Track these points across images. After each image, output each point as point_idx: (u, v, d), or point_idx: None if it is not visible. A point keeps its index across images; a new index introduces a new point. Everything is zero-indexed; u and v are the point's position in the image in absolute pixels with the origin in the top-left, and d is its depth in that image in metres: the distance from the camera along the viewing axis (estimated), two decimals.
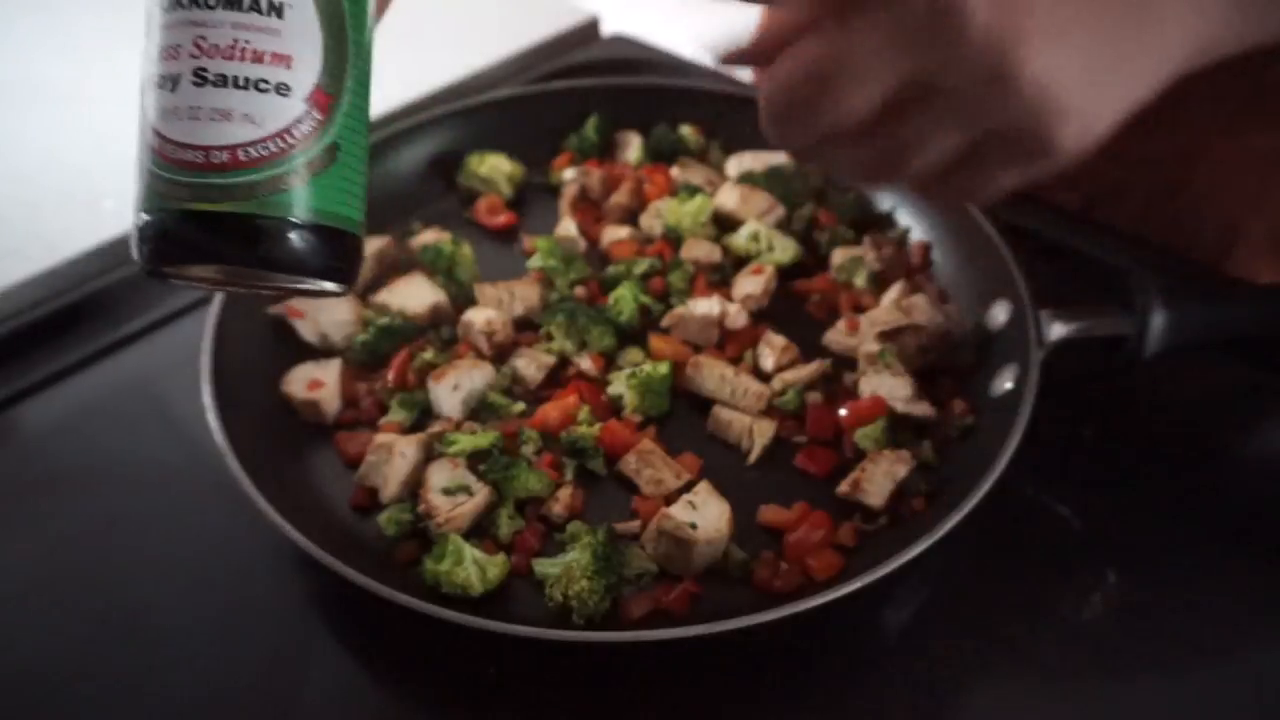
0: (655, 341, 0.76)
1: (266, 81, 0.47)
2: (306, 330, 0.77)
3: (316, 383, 0.73)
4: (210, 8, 0.47)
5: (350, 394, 0.74)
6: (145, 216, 0.48)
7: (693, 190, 0.86)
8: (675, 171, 0.89)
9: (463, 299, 0.79)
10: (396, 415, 0.72)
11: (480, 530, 0.66)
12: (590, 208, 0.88)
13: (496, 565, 0.63)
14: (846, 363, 0.76)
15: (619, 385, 0.73)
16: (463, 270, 0.81)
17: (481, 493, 0.66)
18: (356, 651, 0.64)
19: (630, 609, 0.62)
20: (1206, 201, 0.84)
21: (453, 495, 0.66)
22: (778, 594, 0.62)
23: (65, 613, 0.64)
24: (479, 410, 0.72)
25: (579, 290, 0.80)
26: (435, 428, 0.71)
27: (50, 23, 1.17)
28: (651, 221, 0.85)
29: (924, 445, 0.70)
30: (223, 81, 0.47)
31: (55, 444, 0.75)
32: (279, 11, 0.47)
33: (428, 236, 0.84)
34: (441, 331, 0.78)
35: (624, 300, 0.77)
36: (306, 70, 0.48)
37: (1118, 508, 0.69)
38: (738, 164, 0.89)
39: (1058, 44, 0.46)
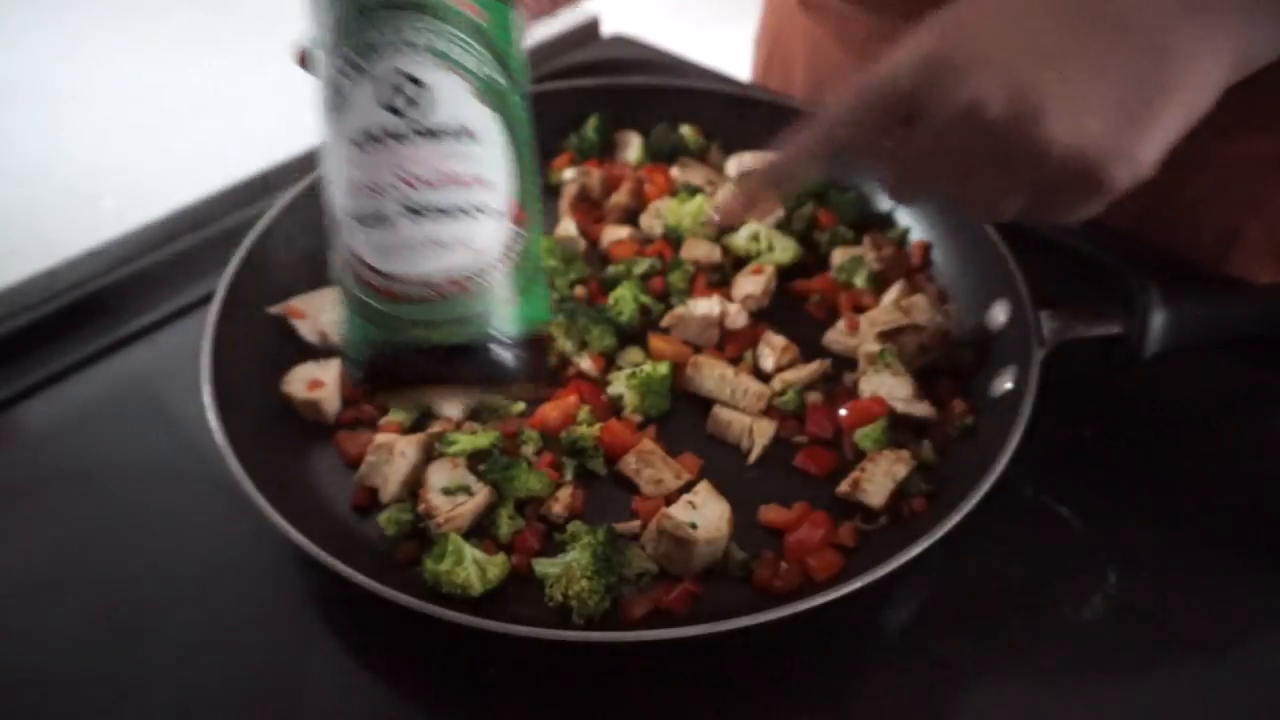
0: (655, 341, 0.76)
1: (473, 205, 0.48)
2: (306, 330, 0.77)
3: (317, 383, 0.73)
4: (410, 141, 0.47)
5: (350, 394, 0.74)
6: (366, 347, 0.49)
7: (693, 190, 0.86)
8: (675, 171, 0.89)
9: None
10: (396, 415, 0.72)
11: (480, 530, 0.66)
12: (590, 208, 0.88)
13: (496, 565, 0.63)
14: (846, 363, 0.76)
15: (619, 385, 0.73)
16: None
17: (481, 493, 0.66)
18: (356, 651, 0.64)
19: (630, 609, 0.62)
20: (1205, 204, 0.84)
21: (453, 495, 0.66)
22: (778, 594, 0.62)
23: (65, 613, 0.64)
24: (479, 410, 0.72)
25: (579, 290, 0.80)
26: (435, 428, 0.71)
27: (50, 23, 1.17)
28: (651, 221, 0.85)
29: (924, 445, 0.70)
30: (434, 213, 0.47)
31: (55, 444, 0.75)
32: (473, 136, 0.48)
33: None
34: None
35: (624, 300, 0.77)
36: (503, 189, 0.49)
37: (1118, 508, 0.69)
38: (738, 164, 0.89)
39: (1076, 121, 0.52)
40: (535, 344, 0.51)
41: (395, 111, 0.47)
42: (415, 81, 0.47)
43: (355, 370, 0.51)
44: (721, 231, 0.84)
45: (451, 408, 0.72)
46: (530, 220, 0.51)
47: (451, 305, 0.48)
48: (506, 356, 0.49)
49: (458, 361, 0.49)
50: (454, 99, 0.48)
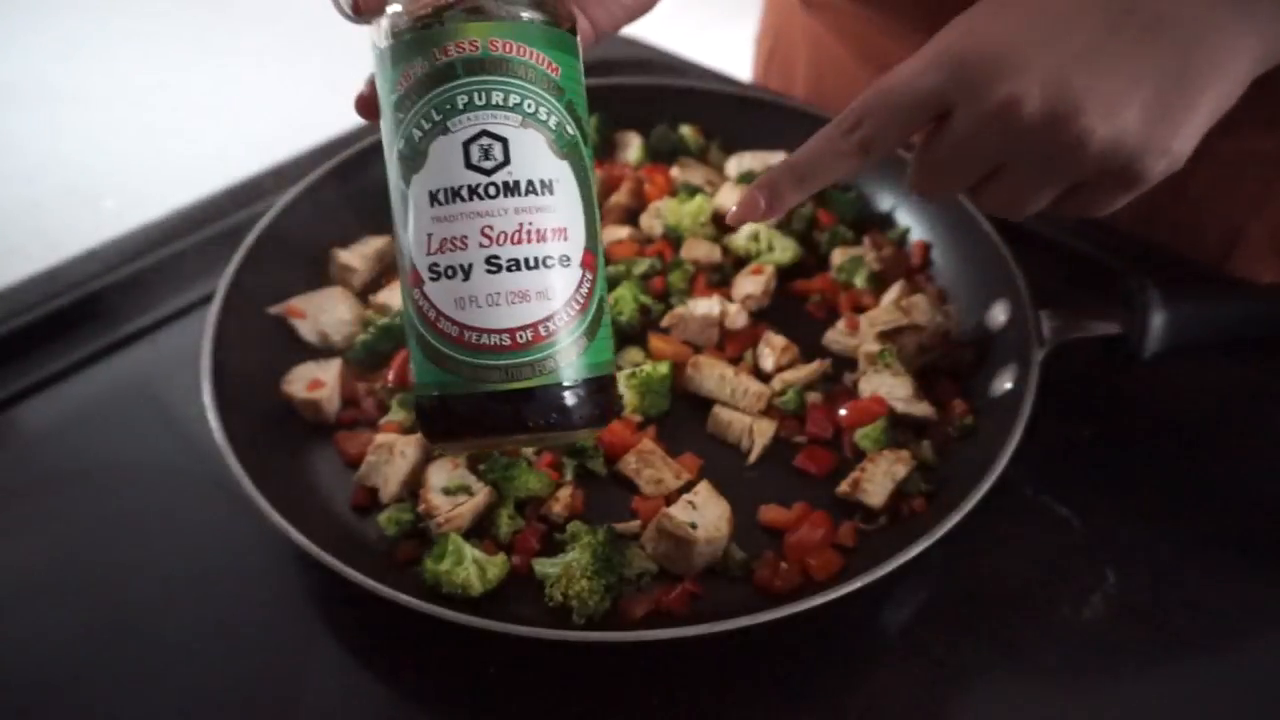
0: (655, 341, 0.76)
1: (552, 257, 0.50)
2: (306, 330, 0.77)
3: (317, 383, 0.73)
4: (493, 197, 0.49)
5: (350, 394, 0.74)
6: (446, 398, 0.50)
7: (693, 190, 0.86)
8: (675, 171, 0.89)
9: None
10: (397, 415, 0.72)
11: (480, 530, 0.66)
12: None
13: (496, 565, 0.63)
14: (846, 363, 0.76)
15: (619, 385, 0.73)
16: None
17: (481, 493, 0.66)
18: (356, 651, 0.64)
19: (630, 609, 0.62)
20: (1208, 203, 0.84)
21: (453, 495, 0.66)
22: (778, 594, 0.62)
23: (65, 613, 0.64)
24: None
25: None
26: None
27: (50, 23, 1.17)
28: (651, 221, 0.85)
29: (924, 445, 0.70)
30: (516, 266, 0.49)
31: (55, 444, 0.75)
32: (550, 188, 0.50)
33: None
34: None
35: (624, 300, 0.77)
36: (577, 236, 0.51)
37: (1118, 508, 0.69)
38: (738, 164, 0.89)
39: (1113, 115, 0.52)
40: (602, 386, 0.52)
41: (479, 169, 0.49)
42: (498, 139, 0.49)
43: (422, 416, 0.52)
44: (723, 230, 0.84)
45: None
46: (597, 263, 0.52)
47: (525, 354, 0.49)
48: (574, 401, 0.50)
49: (526, 409, 0.50)
50: (534, 154, 0.49)
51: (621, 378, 0.73)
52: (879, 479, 0.67)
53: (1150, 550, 0.67)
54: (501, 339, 0.49)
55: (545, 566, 0.63)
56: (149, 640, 0.63)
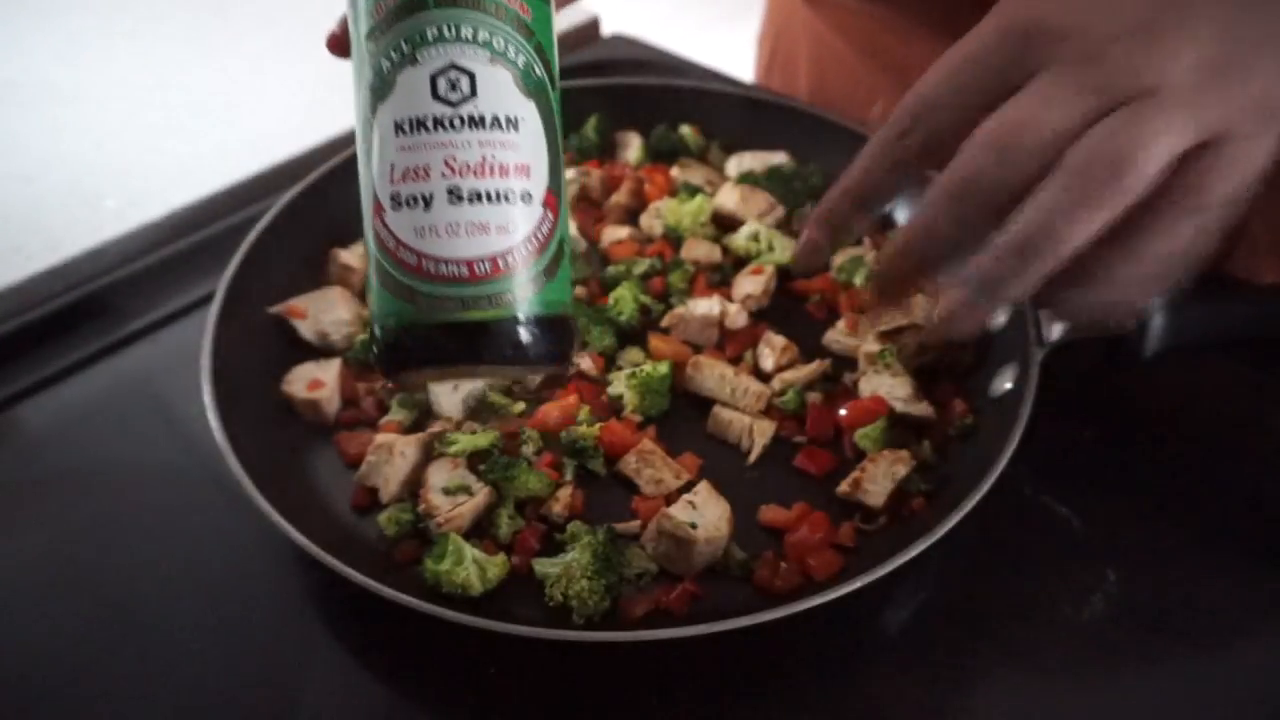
0: (655, 341, 0.76)
1: (514, 192, 0.50)
2: (306, 330, 0.77)
3: (316, 382, 0.73)
4: (457, 129, 0.49)
5: (350, 394, 0.74)
6: (402, 329, 0.50)
7: (693, 190, 0.86)
8: (675, 171, 0.89)
9: None
10: (396, 415, 0.72)
11: (480, 530, 0.66)
12: (590, 208, 0.88)
13: (496, 565, 0.63)
14: (846, 363, 0.76)
15: (619, 385, 0.73)
16: None
17: (481, 493, 0.66)
18: (356, 651, 0.64)
19: (630, 609, 0.62)
20: None
21: (453, 495, 0.66)
22: (778, 594, 0.62)
23: (65, 613, 0.64)
24: (479, 410, 0.72)
25: (579, 290, 0.80)
26: (435, 428, 0.71)
27: (50, 23, 1.17)
28: (651, 221, 0.85)
29: (924, 445, 0.70)
30: (477, 197, 0.49)
31: (55, 444, 0.75)
32: (515, 125, 0.50)
33: None
34: None
35: (624, 300, 0.77)
36: (540, 175, 0.51)
37: (1118, 508, 0.69)
38: (738, 164, 0.89)
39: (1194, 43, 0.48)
40: (559, 325, 0.52)
41: (445, 101, 0.49)
42: (466, 73, 0.49)
43: (378, 347, 0.52)
44: (723, 230, 0.84)
45: (451, 404, 0.71)
46: (559, 204, 0.52)
47: (482, 285, 0.49)
48: (530, 337, 0.51)
49: (482, 341, 0.50)
50: (501, 90, 0.50)
51: (621, 378, 0.73)
52: (879, 479, 0.67)
53: (1150, 550, 0.67)
54: (459, 269, 0.49)
55: (545, 566, 0.63)
56: (149, 640, 0.63)
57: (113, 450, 0.74)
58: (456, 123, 0.49)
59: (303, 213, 0.80)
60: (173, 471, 0.72)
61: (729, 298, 0.80)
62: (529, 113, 0.51)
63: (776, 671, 0.61)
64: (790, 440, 0.72)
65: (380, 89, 0.50)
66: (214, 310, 0.73)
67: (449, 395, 0.72)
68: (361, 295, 0.80)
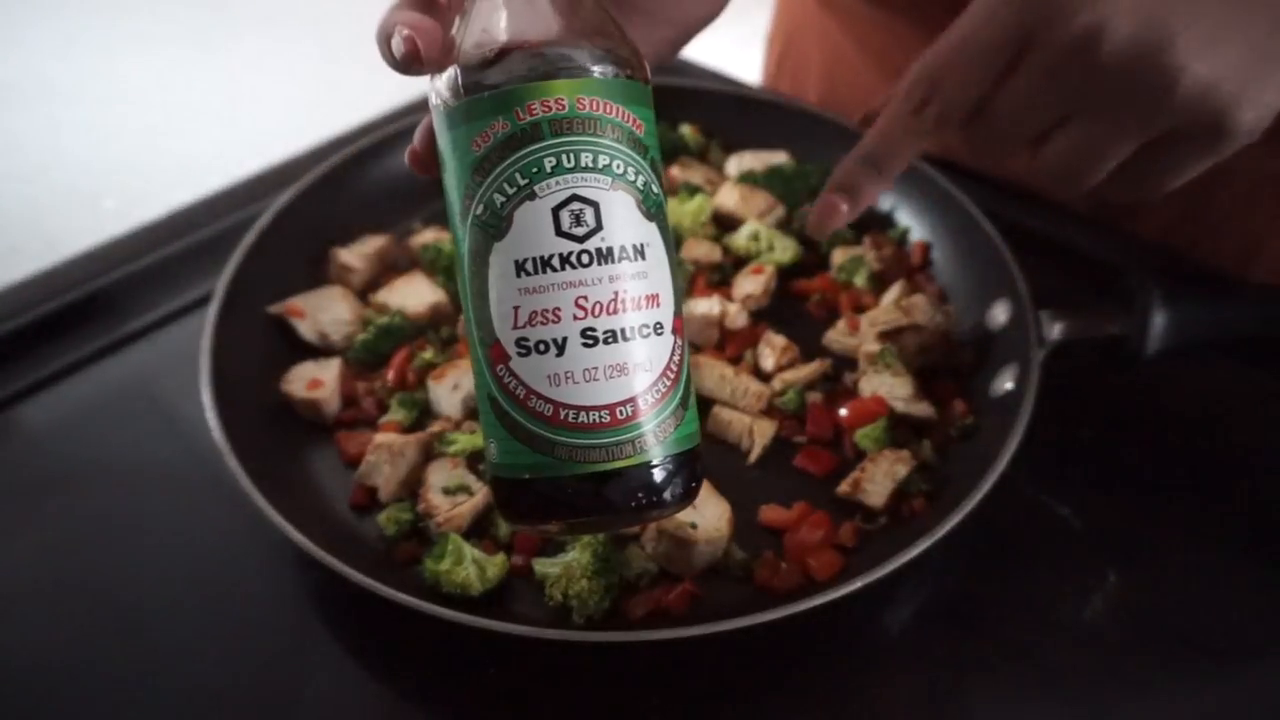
0: None
1: (648, 326, 0.47)
2: (306, 330, 0.77)
3: (316, 382, 0.73)
4: (586, 266, 0.45)
5: (350, 393, 0.74)
6: (539, 481, 0.47)
7: (693, 190, 0.86)
8: (675, 171, 0.89)
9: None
10: (396, 415, 0.72)
11: (480, 530, 0.66)
12: None
13: (496, 565, 0.63)
14: (846, 363, 0.76)
15: None
16: None
17: (481, 492, 0.66)
18: (356, 651, 0.64)
19: (630, 609, 0.62)
20: (1228, 219, 0.84)
21: (452, 495, 0.66)
22: (778, 594, 0.62)
23: (65, 613, 0.64)
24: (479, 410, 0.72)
25: None
26: (435, 427, 0.71)
27: (50, 22, 1.17)
28: None
29: (924, 445, 0.70)
30: (613, 338, 0.46)
31: (55, 444, 0.75)
32: (642, 253, 0.47)
33: (428, 236, 0.84)
34: (441, 331, 0.78)
35: None
36: (668, 302, 0.48)
37: (1118, 508, 0.69)
38: (738, 164, 0.89)
39: (1212, 50, 0.47)
40: (692, 459, 0.49)
41: (570, 236, 0.46)
42: (589, 203, 0.46)
43: (506, 497, 0.49)
44: (723, 230, 0.84)
45: (451, 404, 0.71)
46: (684, 328, 0.49)
47: (624, 430, 0.46)
48: (666, 478, 0.47)
49: (619, 488, 0.47)
50: (625, 217, 0.46)
51: None
52: (879, 479, 0.67)
53: (1150, 550, 0.67)
54: (601, 415, 0.46)
55: (545, 566, 0.63)
56: (149, 640, 0.63)
57: (113, 450, 0.74)
58: (585, 259, 0.45)
59: (303, 213, 0.80)
60: (173, 471, 0.72)
61: (729, 298, 0.80)
62: (652, 236, 0.47)
63: (776, 671, 0.61)
64: (790, 440, 0.72)
65: (495, 225, 0.46)
66: (214, 310, 0.73)
67: (449, 395, 0.72)
68: (361, 294, 0.80)
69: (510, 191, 0.46)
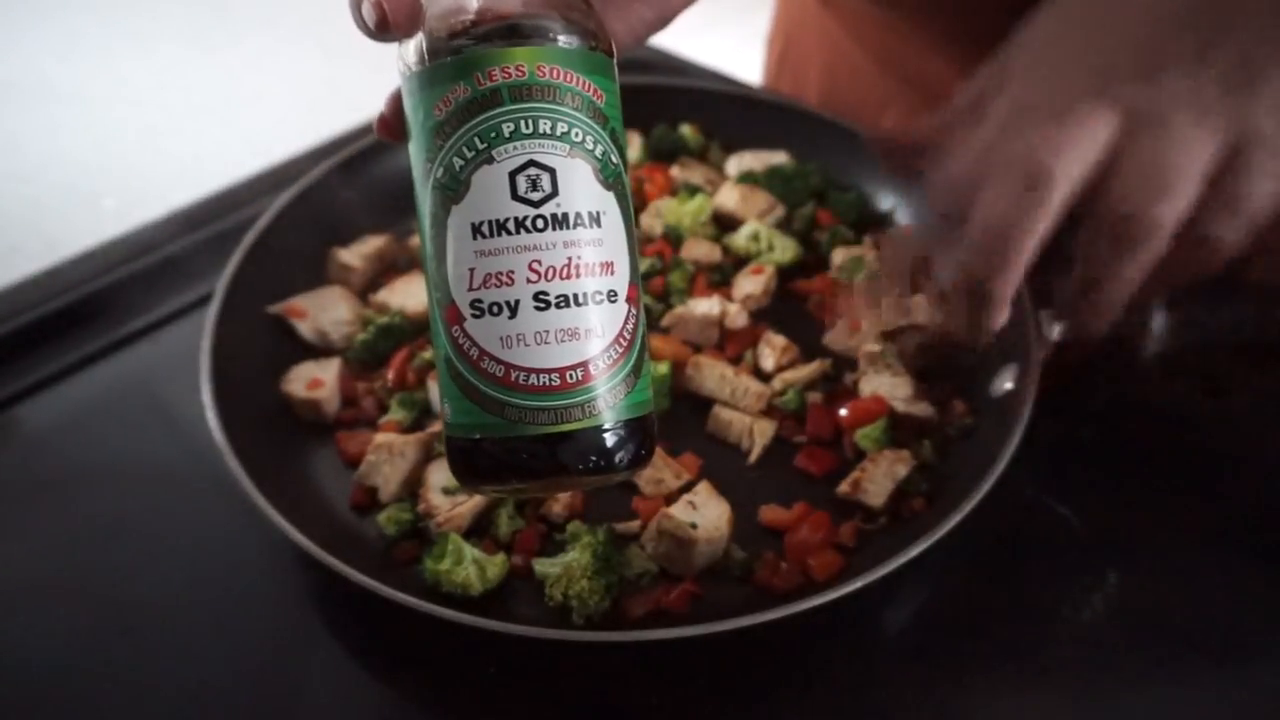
0: (655, 341, 0.76)
1: (600, 292, 0.47)
2: (306, 330, 0.77)
3: (316, 382, 0.73)
4: (540, 230, 0.46)
5: (350, 393, 0.74)
6: (486, 440, 0.48)
7: (693, 190, 0.86)
8: (675, 171, 0.89)
9: None
10: (396, 415, 0.72)
11: (480, 530, 0.66)
12: None
13: (496, 565, 0.63)
14: (846, 363, 0.76)
15: None
16: None
17: None
18: (356, 651, 0.64)
19: (630, 609, 0.62)
20: None
21: (452, 495, 0.66)
22: (778, 594, 0.62)
23: (65, 612, 0.64)
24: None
25: None
26: (435, 427, 0.71)
27: (50, 22, 1.17)
28: (651, 221, 0.85)
29: (924, 445, 0.70)
30: (565, 302, 0.47)
31: (55, 444, 0.75)
32: (598, 220, 0.47)
33: None
34: None
35: None
36: (623, 271, 0.49)
37: (1118, 508, 0.69)
38: (738, 164, 0.89)
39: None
40: (644, 426, 0.50)
41: (526, 201, 0.46)
42: (546, 169, 0.46)
43: (458, 458, 0.50)
44: (723, 229, 0.84)
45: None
46: (639, 297, 0.50)
47: (574, 394, 0.47)
48: (616, 442, 0.48)
49: (568, 451, 0.47)
50: (582, 185, 0.47)
51: None
52: (879, 479, 0.67)
53: (1150, 550, 0.67)
54: (551, 379, 0.47)
55: (545, 566, 0.63)
56: (149, 640, 0.63)
57: (113, 450, 0.74)
58: (540, 223, 0.46)
59: (303, 213, 0.80)
60: (173, 471, 0.72)
61: (729, 298, 0.80)
62: (609, 204, 0.48)
63: (776, 671, 0.61)
64: (790, 440, 0.72)
65: (453, 189, 0.47)
66: (214, 310, 0.73)
67: None
68: (361, 294, 0.80)
69: (469, 155, 0.47)
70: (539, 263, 0.46)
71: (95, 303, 0.82)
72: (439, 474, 0.68)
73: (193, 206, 0.90)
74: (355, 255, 0.81)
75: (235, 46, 1.12)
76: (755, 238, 0.83)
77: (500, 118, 0.46)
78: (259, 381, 0.73)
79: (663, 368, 0.73)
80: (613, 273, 0.48)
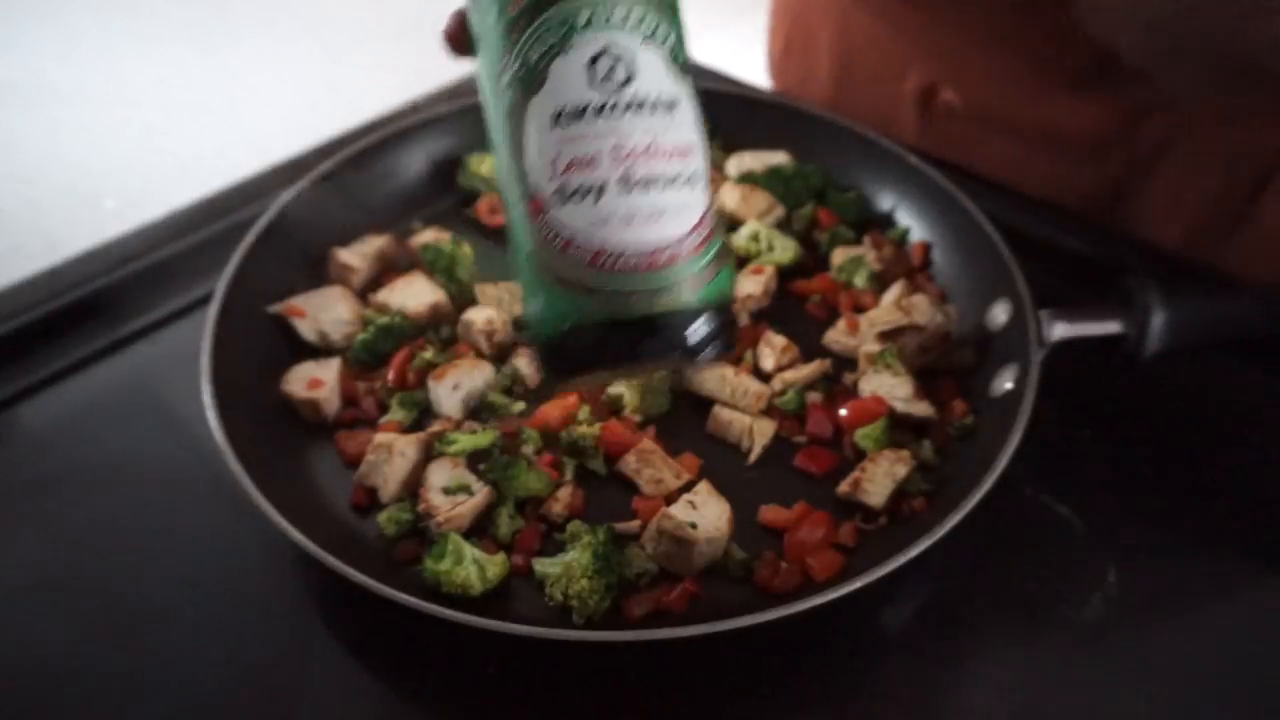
0: None
1: (683, 175, 0.49)
2: (306, 329, 0.77)
3: (316, 382, 0.73)
4: (620, 114, 0.48)
5: (350, 393, 0.74)
6: (578, 330, 0.48)
7: None
8: None
9: (463, 298, 0.80)
10: (396, 415, 0.72)
11: (480, 530, 0.66)
12: None
13: (496, 565, 0.63)
14: (846, 363, 0.76)
15: (619, 385, 0.73)
16: (463, 270, 0.81)
17: (481, 492, 0.66)
18: (356, 651, 0.64)
19: (630, 609, 0.62)
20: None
21: (453, 495, 0.66)
22: (778, 594, 0.62)
23: (65, 612, 0.64)
24: (479, 410, 0.72)
25: None
26: (435, 427, 0.71)
27: (50, 23, 1.17)
28: None
29: (924, 445, 0.70)
30: (650, 183, 0.48)
31: (55, 444, 0.75)
32: (673, 107, 0.49)
33: (428, 236, 0.84)
34: (441, 331, 0.78)
35: None
36: (699, 155, 0.50)
37: (1118, 508, 0.69)
38: (738, 164, 0.89)
39: None
40: (727, 313, 0.51)
41: (604, 87, 0.48)
42: (620, 57, 0.48)
43: (548, 350, 0.50)
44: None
45: (451, 404, 0.71)
46: (716, 185, 0.51)
47: (664, 274, 0.48)
48: (706, 328, 0.49)
49: (648, 336, 0.48)
50: (656, 71, 0.49)
51: None
52: (879, 479, 0.67)
53: (1150, 550, 0.67)
54: (641, 259, 0.47)
55: (545, 566, 0.63)
56: (149, 640, 0.63)
57: (113, 450, 0.74)
58: (619, 108, 0.48)
59: (303, 213, 0.80)
60: (173, 471, 0.72)
61: None
62: (683, 92, 0.50)
63: (776, 671, 0.61)
64: (790, 440, 0.72)
65: (530, 80, 0.48)
66: (214, 310, 0.73)
67: (449, 395, 0.72)
68: (361, 294, 0.80)
69: (545, 47, 0.48)
70: (621, 146, 0.47)
71: (95, 303, 0.82)
72: (439, 474, 0.68)
73: (193, 206, 0.90)
74: (355, 255, 0.81)
75: (235, 46, 1.12)
76: (755, 238, 0.83)
77: (576, 8, 0.48)
78: (259, 381, 0.73)
79: None
80: (690, 156, 0.49)
